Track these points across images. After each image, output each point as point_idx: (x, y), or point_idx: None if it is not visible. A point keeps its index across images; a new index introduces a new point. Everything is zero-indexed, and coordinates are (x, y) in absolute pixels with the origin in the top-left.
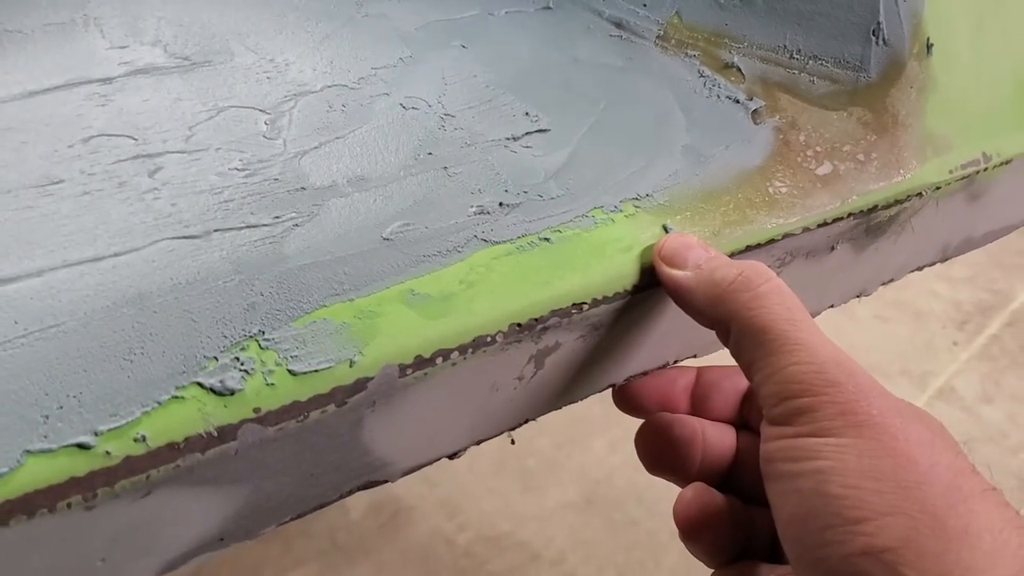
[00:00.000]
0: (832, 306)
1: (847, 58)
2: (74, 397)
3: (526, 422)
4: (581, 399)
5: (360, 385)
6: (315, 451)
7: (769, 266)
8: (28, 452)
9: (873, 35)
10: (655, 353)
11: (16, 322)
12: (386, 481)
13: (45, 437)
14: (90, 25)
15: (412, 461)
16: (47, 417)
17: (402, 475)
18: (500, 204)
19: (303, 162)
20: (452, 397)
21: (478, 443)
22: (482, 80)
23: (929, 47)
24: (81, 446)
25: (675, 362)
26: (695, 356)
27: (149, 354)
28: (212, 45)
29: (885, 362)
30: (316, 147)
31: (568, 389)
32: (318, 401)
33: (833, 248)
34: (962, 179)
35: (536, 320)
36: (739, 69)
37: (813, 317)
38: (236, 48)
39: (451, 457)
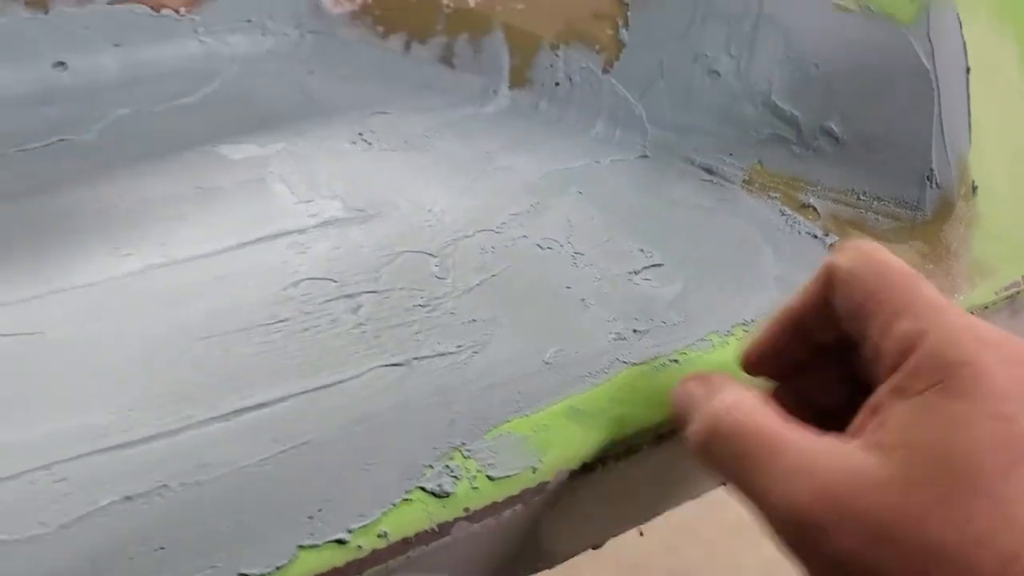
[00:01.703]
0: None
1: (906, 199)
2: (329, 501)
3: (655, 516)
4: (703, 494)
5: (541, 487)
6: (502, 544)
7: None
8: (300, 547)
9: (927, 180)
10: None
11: (275, 440)
12: (547, 568)
13: (311, 534)
14: (277, 182)
15: (569, 550)
16: (311, 518)
17: (559, 563)
18: (633, 331)
19: (470, 297)
20: (607, 496)
21: (615, 535)
22: (599, 222)
23: (974, 189)
24: (339, 541)
25: None
26: None
27: (381, 464)
28: (378, 197)
29: None
30: (478, 284)
31: (693, 486)
32: (510, 501)
33: None
34: (1006, 299)
35: (674, 431)
36: (815, 208)
37: None
38: (397, 200)
39: (594, 547)
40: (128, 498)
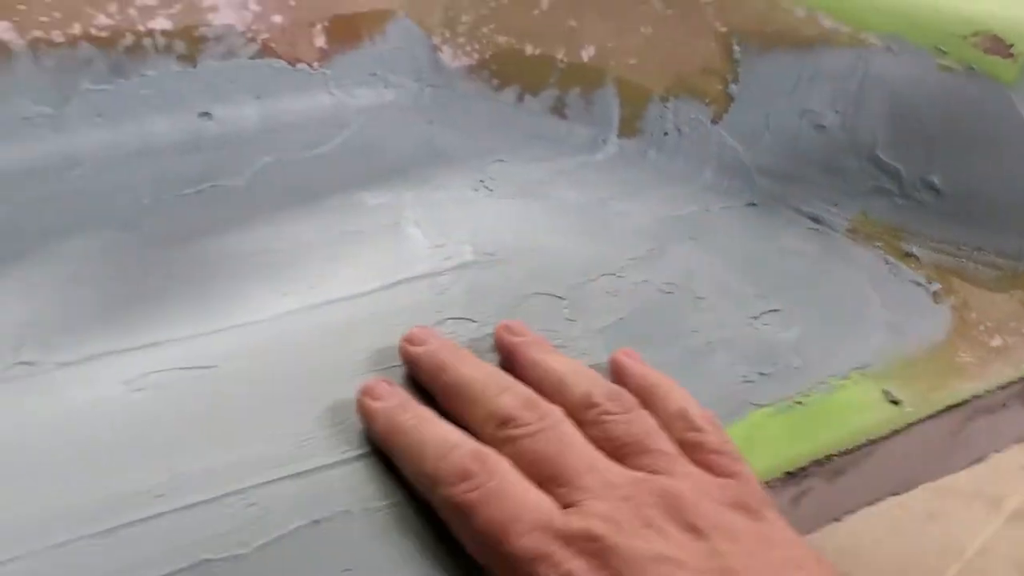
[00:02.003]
0: (997, 451)
1: (1006, 250)
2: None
3: None
4: (816, 530)
5: None
6: None
7: (960, 422)
8: (477, 569)
9: None
10: (880, 487)
11: None
12: None
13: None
14: (411, 226)
15: None
16: None
17: None
18: (760, 374)
19: (601, 339)
20: None
21: None
22: (715, 267)
23: None
24: None
25: (894, 494)
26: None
27: None
28: (504, 242)
29: (961, 484)
30: (607, 326)
31: (821, 520)
32: None
33: (1004, 405)
34: None
35: (802, 469)
36: (917, 258)
37: (987, 457)
38: (522, 244)
39: None
40: (316, 522)
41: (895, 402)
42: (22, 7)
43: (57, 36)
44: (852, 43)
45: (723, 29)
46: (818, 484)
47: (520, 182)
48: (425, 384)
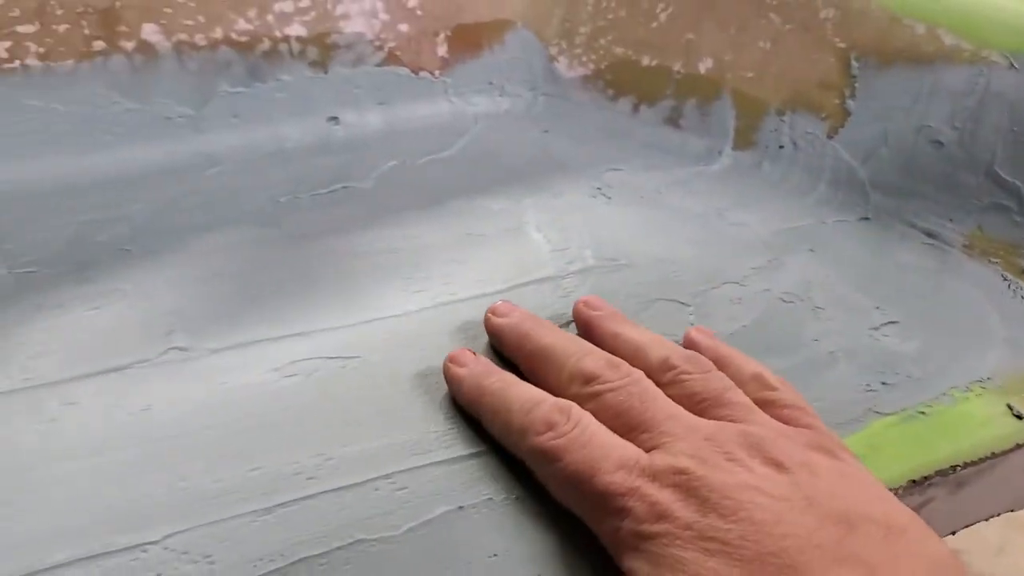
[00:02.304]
0: None
1: None
2: None
3: None
4: (951, 534)
5: None
6: None
7: None
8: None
9: None
10: (999, 502)
11: None
12: None
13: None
14: (533, 231)
15: None
16: None
17: None
18: (882, 383)
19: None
20: None
21: None
22: (833, 279)
23: None
24: None
25: (1011, 510)
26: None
27: None
28: (624, 248)
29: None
30: (732, 333)
31: (942, 528)
32: None
33: None
34: None
35: (925, 478)
36: None
37: None
38: (643, 250)
39: None
40: (460, 508)
41: (1019, 416)
42: (168, 10)
43: (200, 39)
44: (973, 60)
45: (842, 45)
46: (941, 494)
47: (637, 190)
48: (509, 353)
